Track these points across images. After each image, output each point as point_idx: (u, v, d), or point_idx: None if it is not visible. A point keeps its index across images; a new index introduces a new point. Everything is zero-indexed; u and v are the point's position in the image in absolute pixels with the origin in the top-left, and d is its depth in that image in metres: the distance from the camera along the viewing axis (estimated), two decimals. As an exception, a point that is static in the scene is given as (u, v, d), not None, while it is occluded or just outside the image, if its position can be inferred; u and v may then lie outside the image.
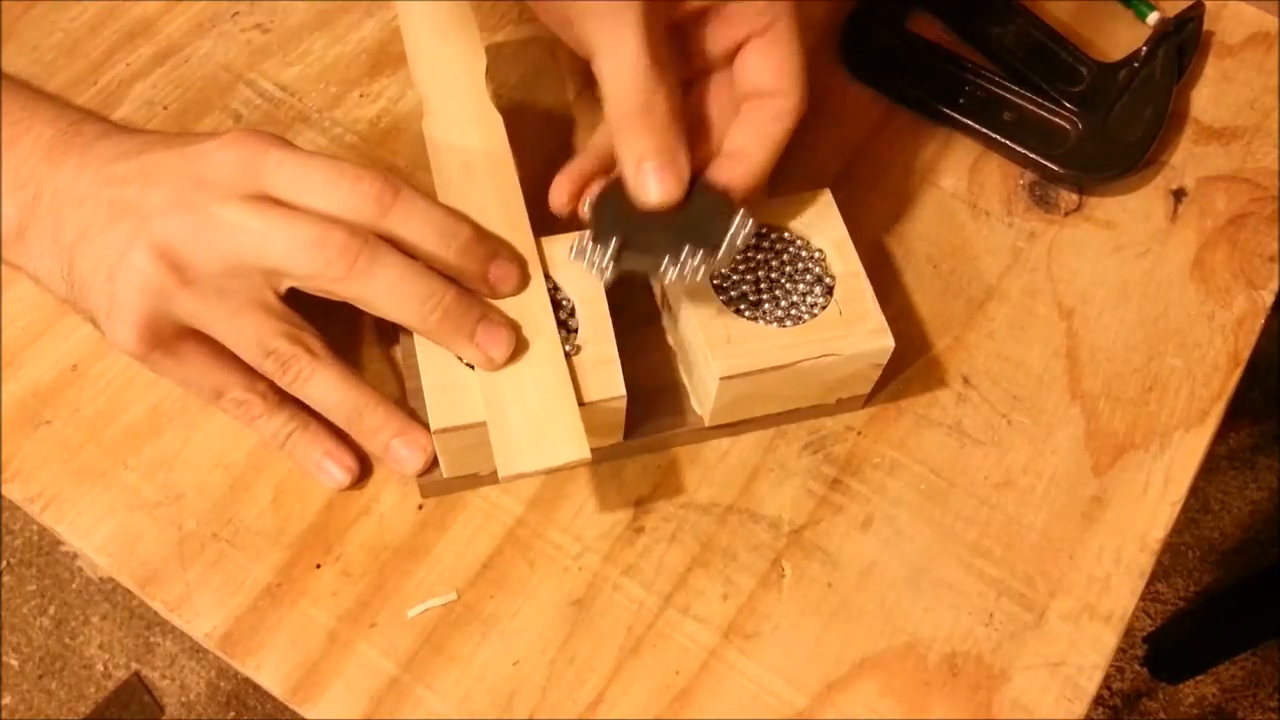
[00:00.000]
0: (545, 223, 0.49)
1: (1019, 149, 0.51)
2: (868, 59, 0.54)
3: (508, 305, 0.40)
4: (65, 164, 0.38)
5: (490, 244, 0.40)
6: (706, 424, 0.43)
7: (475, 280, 0.39)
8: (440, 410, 0.38)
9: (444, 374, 0.39)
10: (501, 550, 0.42)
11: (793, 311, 0.41)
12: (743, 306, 0.41)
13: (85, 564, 1.20)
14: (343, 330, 0.45)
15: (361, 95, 0.52)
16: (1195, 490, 0.45)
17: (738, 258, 0.42)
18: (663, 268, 0.38)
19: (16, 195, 0.39)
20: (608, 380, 0.39)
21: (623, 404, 0.39)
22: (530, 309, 0.40)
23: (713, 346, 0.40)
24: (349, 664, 0.39)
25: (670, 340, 0.45)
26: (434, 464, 0.41)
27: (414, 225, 0.37)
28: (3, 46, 0.52)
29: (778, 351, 0.40)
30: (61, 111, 0.40)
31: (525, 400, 0.38)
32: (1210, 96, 0.55)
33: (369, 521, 0.42)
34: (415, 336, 0.39)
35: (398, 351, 0.44)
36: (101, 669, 1.16)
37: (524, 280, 0.40)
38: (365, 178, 0.37)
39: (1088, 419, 0.45)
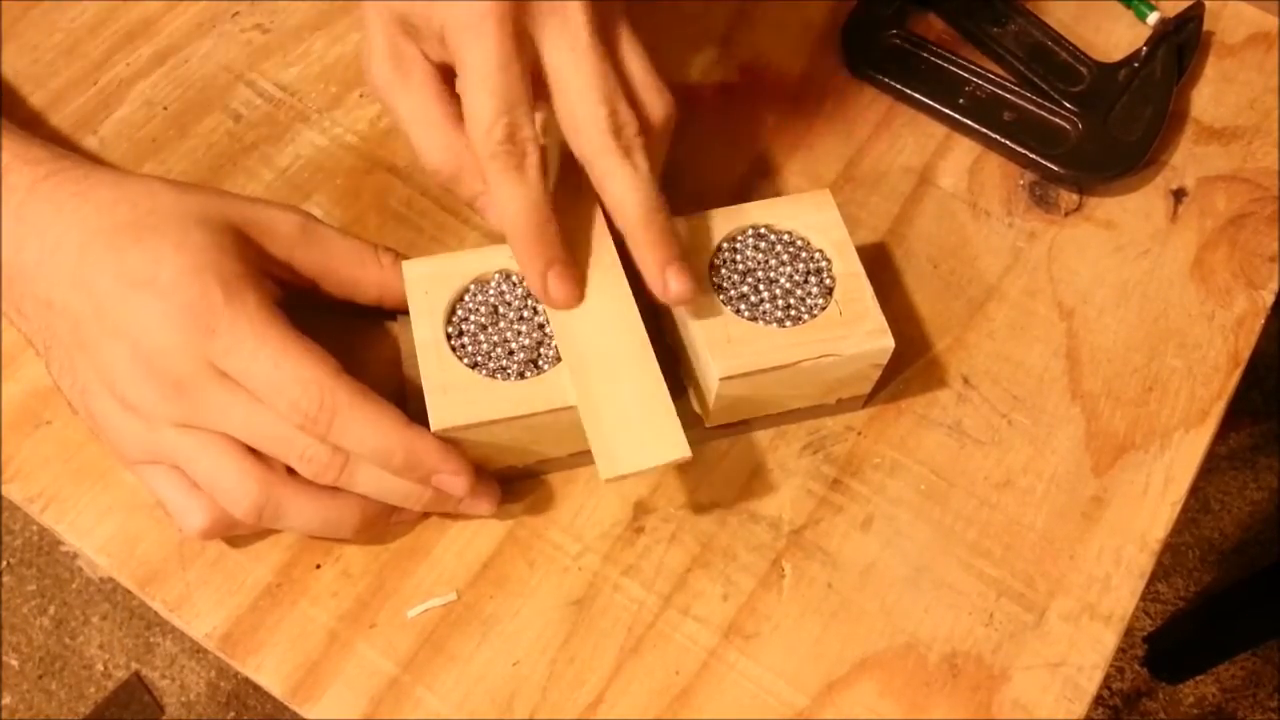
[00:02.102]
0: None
1: (1019, 149, 0.51)
2: (868, 59, 0.54)
3: (600, 319, 0.39)
4: (26, 246, 0.38)
5: (432, 456, 0.37)
6: (706, 424, 0.43)
7: (418, 492, 0.39)
8: (440, 411, 0.38)
9: (444, 375, 0.39)
10: (501, 550, 0.42)
11: (792, 311, 0.41)
12: (743, 306, 0.41)
13: (85, 564, 1.20)
14: (342, 329, 0.45)
15: (361, 95, 0.52)
16: (1195, 490, 0.45)
17: (737, 258, 0.42)
18: None
19: None
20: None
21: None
22: (618, 311, 0.39)
23: (712, 347, 0.40)
24: (349, 664, 0.39)
25: (670, 340, 0.45)
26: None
27: (352, 443, 0.37)
28: (3, 47, 0.52)
29: (778, 351, 0.40)
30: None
31: (620, 401, 0.38)
32: (1210, 96, 0.55)
33: (369, 522, 0.42)
34: (416, 338, 0.39)
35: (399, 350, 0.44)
36: (101, 669, 1.16)
37: (470, 487, 0.38)
38: (302, 398, 0.36)
39: (1088, 419, 0.45)
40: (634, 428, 0.37)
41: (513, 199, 0.38)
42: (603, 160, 0.38)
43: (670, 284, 0.39)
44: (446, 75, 0.40)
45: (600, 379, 0.38)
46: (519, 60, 0.37)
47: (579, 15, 0.38)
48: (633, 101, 0.40)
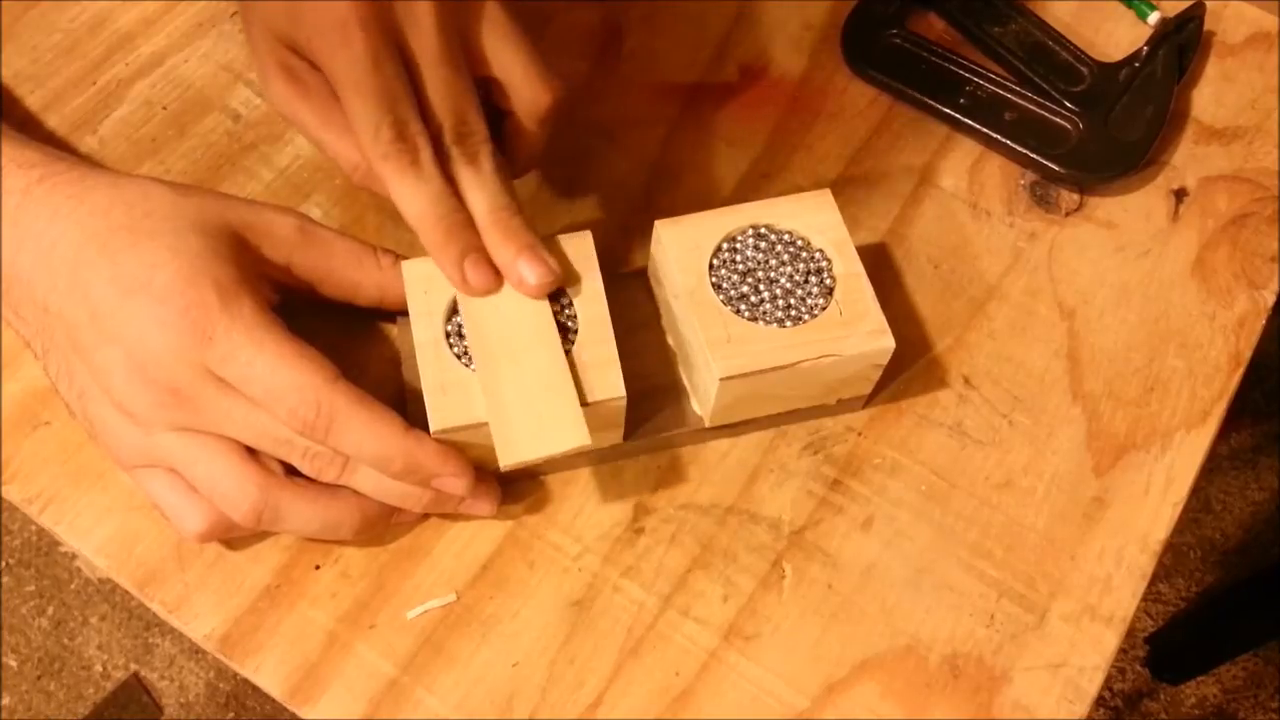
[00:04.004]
0: (545, 223, 0.49)
1: (1020, 149, 0.51)
2: (868, 58, 0.54)
3: (508, 311, 0.39)
4: (24, 247, 0.38)
5: (431, 461, 0.37)
6: (707, 425, 0.43)
7: (419, 493, 0.39)
8: (440, 411, 0.38)
9: (444, 375, 0.38)
10: (501, 551, 0.41)
11: (792, 312, 0.41)
12: (743, 307, 0.41)
13: (84, 564, 1.20)
14: (341, 329, 0.45)
15: (361, 95, 0.52)
16: (1196, 490, 0.45)
17: (737, 258, 0.42)
18: None
19: None
20: (608, 381, 0.39)
21: (623, 405, 0.39)
22: (530, 314, 0.40)
23: (713, 347, 0.39)
24: (348, 665, 0.39)
25: (670, 341, 0.44)
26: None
27: (350, 449, 0.37)
28: (2, 46, 0.52)
29: (778, 352, 0.40)
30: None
31: (525, 393, 0.38)
32: (1211, 96, 0.55)
33: (368, 522, 0.42)
34: (415, 338, 0.39)
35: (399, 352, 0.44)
36: (100, 669, 1.16)
37: (469, 489, 0.38)
38: (300, 406, 0.35)
39: (1089, 419, 0.45)
40: (536, 415, 0.38)
41: (415, 196, 0.38)
42: (449, 165, 0.39)
43: (524, 274, 0.39)
44: None
45: (505, 365, 0.38)
46: (391, 58, 0.37)
47: (427, 16, 0.37)
48: (503, 93, 0.41)
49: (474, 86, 0.39)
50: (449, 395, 0.38)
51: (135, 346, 0.36)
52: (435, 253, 0.39)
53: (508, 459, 0.37)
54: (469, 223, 0.39)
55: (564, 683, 0.39)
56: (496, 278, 0.39)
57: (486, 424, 0.38)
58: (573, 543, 0.42)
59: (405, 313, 0.41)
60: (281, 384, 0.36)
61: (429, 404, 0.38)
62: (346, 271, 0.41)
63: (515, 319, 0.39)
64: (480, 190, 0.39)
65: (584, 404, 0.38)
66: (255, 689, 0.46)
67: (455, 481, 0.38)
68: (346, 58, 0.37)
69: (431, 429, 0.38)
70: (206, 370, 0.36)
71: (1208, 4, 0.55)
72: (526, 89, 0.40)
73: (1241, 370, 0.47)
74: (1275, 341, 0.57)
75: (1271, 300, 0.49)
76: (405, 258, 0.42)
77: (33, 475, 0.42)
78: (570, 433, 0.37)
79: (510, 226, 0.39)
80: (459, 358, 0.39)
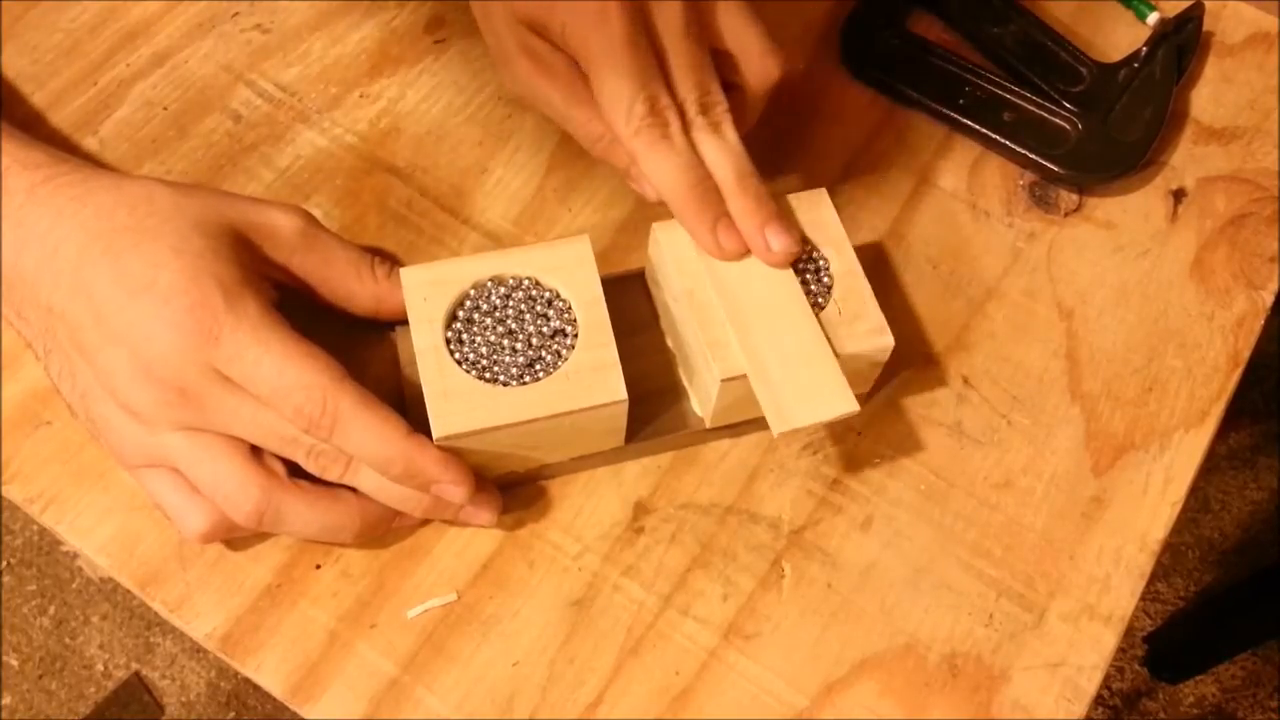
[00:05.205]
0: (545, 224, 0.49)
1: (1019, 149, 0.51)
2: (868, 59, 0.54)
3: (756, 278, 0.40)
4: (26, 250, 0.38)
5: (431, 467, 0.37)
6: (707, 425, 0.43)
7: (418, 498, 0.39)
8: (442, 418, 0.38)
9: (445, 381, 0.38)
10: (501, 550, 0.42)
11: (792, 312, 0.41)
12: (742, 307, 0.41)
13: (85, 564, 1.20)
14: (341, 330, 0.45)
15: (361, 96, 0.52)
16: (1195, 490, 0.45)
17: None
18: None
19: None
20: (609, 385, 0.39)
21: (624, 408, 0.39)
22: (779, 280, 0.41)
23: (714, 348, 0.40)
24: (349, 664, 0.39)
25: (670, 343, 0.45)
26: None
27: (353, 449, 0.37)
28: (3, 47, 0.52)
29: (777, 352, 0.40)
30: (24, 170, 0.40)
31: (786, 360, 0.39)
32: (1210, 97, 0.55)
33: (369, 522, 0.42)
34: (416, 345, 0.39)
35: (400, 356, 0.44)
36: (101, 669, 1.16)
37: (469, 496, 0.38)
38: (306, 404, 0.36)
39: (1087, 419, 0.45)
40: (801, 383, 0.39)
41: (667, 167, 0.40)
42: (692, 134, 0.40)
43: (770, 241, 0.40)
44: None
45: (762, 332, 0.39)
46: (642, 36, 0.39)
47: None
48: (735, 67, 0.42)
49: (711, 59, 0.41)
50: (451, 402, 0.38)
51: (140, 346, 0.36)
52: (689, 220, 0.40)
53: (780, 426, 0.38)
54: (717, 190, 0.40)
55: (564, 682, 0.39)
56: (744, 243, 0.41)
57: (489, 430, 0.38)
58: (573, 542, 0.42)
59: (403, 322, 0.41)
60: (288, 382, 0.36)
61: (431, 411, 0.38)
62: (344, 280, 0.41)
63: (764, 286, 0.40)
64: (727, 157, 0.40)
65: (584, 407, 0.38)
66: (256, 688, 0.46)
67: (455, 489, 0.38)
68: (603, 38, 0.39)
69: (434, 436, 0.37)
70: (212, 369, 0.36)
71: (1207, 4, 0.55)
72: (757, 61, 0.42)
73: (1240, 370, 0.47)
74: (1274, 342, 0.57)
75: (1270, 300, 0.49)
76: (403, 264, 0.42)
77: (34, 475, 0.42)
78: (839, 399, 0.38)
79: (758, 193, 0.40)
80: (460, 364, 0.39)
